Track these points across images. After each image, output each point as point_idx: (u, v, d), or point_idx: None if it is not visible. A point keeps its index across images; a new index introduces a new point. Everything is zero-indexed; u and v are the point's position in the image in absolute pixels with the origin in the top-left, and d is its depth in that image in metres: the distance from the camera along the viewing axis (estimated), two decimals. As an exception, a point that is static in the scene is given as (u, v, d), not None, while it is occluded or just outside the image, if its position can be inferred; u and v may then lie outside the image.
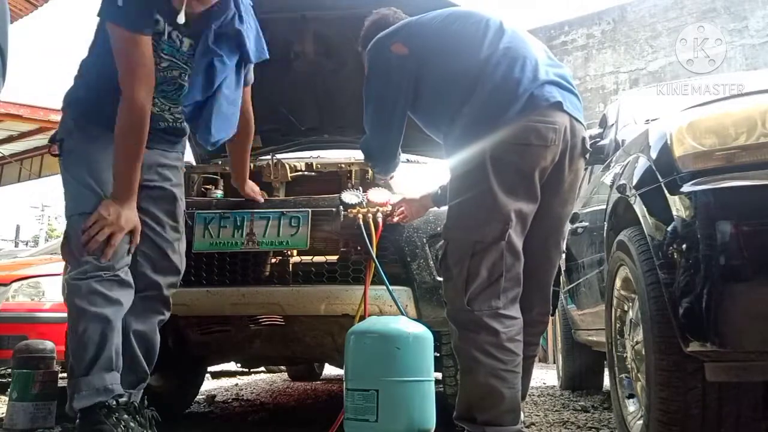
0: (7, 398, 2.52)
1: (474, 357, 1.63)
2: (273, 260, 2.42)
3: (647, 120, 2.60)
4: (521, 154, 1.68)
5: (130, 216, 1.80)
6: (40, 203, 29.74)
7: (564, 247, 1.90)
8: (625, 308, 2.04)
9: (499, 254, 1.63)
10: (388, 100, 1.89)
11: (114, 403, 1.70)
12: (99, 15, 1.75)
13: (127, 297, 1.81)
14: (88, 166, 1.84)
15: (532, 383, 5.18)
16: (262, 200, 2.36)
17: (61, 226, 27.03)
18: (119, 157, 1.79)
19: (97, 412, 1.68)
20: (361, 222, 2.19)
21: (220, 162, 2.80)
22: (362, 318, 2.04)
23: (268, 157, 2.67)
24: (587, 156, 1.85)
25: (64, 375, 2.79)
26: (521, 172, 1.69)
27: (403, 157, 2.96)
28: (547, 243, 1.84)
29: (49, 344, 2.53)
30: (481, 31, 1.82)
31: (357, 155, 2.92)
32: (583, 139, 1.80)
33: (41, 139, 8.03)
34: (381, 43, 1.92)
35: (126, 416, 1.70)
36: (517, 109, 1.67)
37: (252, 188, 2.37)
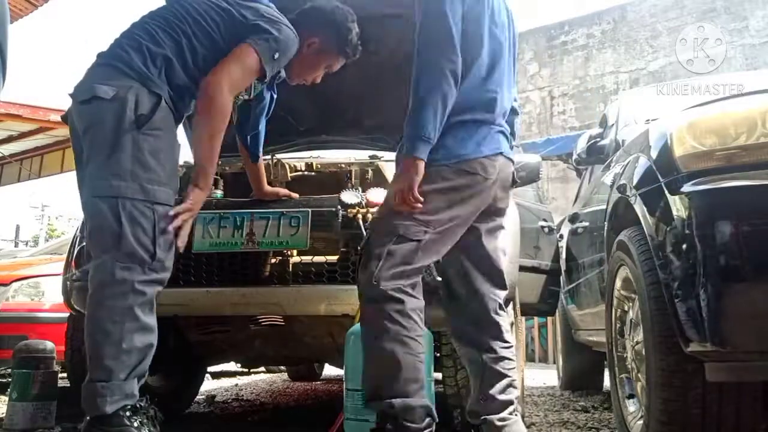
0: (7, 398, 2.52)
1: (381, 324, 1.69)
2: (273, 260, 2.41)
3: (647, 120, 2.60)
4: (466, 178, 1.76)
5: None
6: (40, 203, 29.66)
7: (505, 249, 2.00)
8: (626, 308, 2.04)
9: (414, 248, 1.73)
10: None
11: (137, 406, 1.72)
12: (251, 43, 1.89)
13: None
14: (174, 158, 1.85)
15: (532, 383, 5.20)
16: (296, 195, 2.40)
17: (61, 225, 27.00)
18: (209, 144, 1.87)
19: (121, 415, 1.69)
20: (361, 222, 2.19)
21: (219, 162, 2.80)
22: (362, 318, 2.04)
23: (268, 157, 2.67)
24: (515, 185, 1.98)
25: (64, 375, 2.80)
26: (460, 191, 1.77)
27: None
28: (491, 244, 1.92)
29: (49, 344, 2.53)
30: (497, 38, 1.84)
31: (357, 155, 2.92)
32: (513, 172, 1.91)
33: (41, 139, 8.03)
34: None
35: (145, 420, 1.73)
36: (477, 149, 1.77)
37: (275, 192, 2.41)
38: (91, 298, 1.75)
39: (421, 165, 1.69)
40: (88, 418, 1.71)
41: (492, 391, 1.83)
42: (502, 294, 1.92)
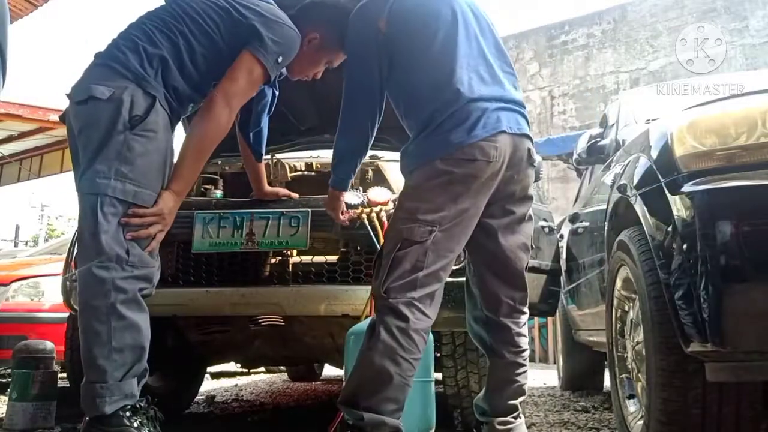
0: (7, 398, 2.52)
1: (378, 335, 1.63)
2: (273, 260, 2.41)
3: (647, 120, 2.60)
4: (466, 167, 1.68)
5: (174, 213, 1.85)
6: (40, 203, 29.65)
7: (529, 243, 1.88)
8: (626, 308, 2.04)
9: (421, 250, 1.66)
10: (363, 80, 1.86)
11: (137, 406, 1.72)
12: (253, 52, 1.88)
13: None
14: (166, 163, 1.82)
15: (533, 383, 5.19)
16: (296, 195, 2.40)
17: (61, 225, 27.01)
18: (195, 153, 1.86)
19: (120, 416, 1.68)
20: (366, 221, 2.19)
21: (219, 162, 2.80)
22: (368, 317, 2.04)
23: (268, 156, 2.67)
24: (534, 164, 1.85)
25: (64, 375, 2.80)
26: (463, 182, 1.70)
27: (397, 155, 2.97)
28: (510, 241, 1.83)
29: (48, 344, 2.53)
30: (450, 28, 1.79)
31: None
32: (528, 150, 1.80)
33: (41, 139, 8.02)
34: (367, 13, 1.86)
35: (145, 420, 1.72)
36: (470, 135, 1.69)
37: (275, 192, 2.40)
38: (79, 299, 1.75)
39: (331, 192, 2.05)
40: (87, 418, 1.70)
41: (498, 395, 1.83)
42: (519, 296, 1.84)
